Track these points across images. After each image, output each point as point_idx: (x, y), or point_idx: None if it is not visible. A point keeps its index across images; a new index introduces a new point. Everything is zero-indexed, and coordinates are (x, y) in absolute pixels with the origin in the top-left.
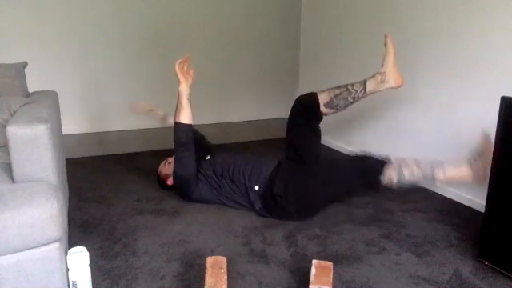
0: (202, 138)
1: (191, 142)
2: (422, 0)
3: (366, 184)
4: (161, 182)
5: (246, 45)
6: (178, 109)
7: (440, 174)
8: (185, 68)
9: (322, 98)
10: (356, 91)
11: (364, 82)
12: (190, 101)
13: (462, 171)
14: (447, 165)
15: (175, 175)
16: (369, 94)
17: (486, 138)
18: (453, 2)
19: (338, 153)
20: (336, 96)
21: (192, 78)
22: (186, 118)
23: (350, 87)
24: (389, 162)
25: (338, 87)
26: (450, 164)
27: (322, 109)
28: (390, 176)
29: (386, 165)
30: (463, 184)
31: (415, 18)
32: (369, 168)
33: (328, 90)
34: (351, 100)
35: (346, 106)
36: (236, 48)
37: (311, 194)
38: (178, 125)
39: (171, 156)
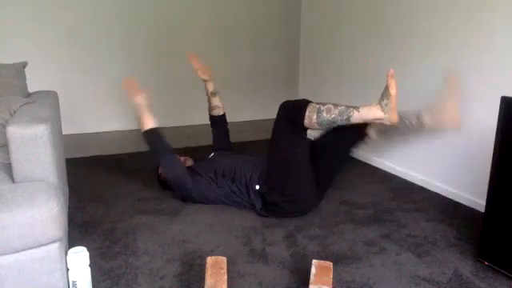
0: (227, 132)
1: (166, 143)
2: (422, 0)
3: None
4: (162, 181)
5: (246, 45)
6: (142, 119)
7: (426, 117)
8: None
9: (309, 117)
10: (348, 120)
11: (359, 112)
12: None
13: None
14: (426, 111)
15: (169, 180)
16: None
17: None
18: (453, 2)
19: None
20: (324, 120)
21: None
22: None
23: (343, 112)
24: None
25: (331, 110)
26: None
27: (306, 124)
28: (371, 132)
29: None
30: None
31: (415, 17)
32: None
33: (318, 110)
34: (337, 124)
35: (329, 127)
36: (236, 48)
37: (297, 185)
38: (146, 133)
39: None
